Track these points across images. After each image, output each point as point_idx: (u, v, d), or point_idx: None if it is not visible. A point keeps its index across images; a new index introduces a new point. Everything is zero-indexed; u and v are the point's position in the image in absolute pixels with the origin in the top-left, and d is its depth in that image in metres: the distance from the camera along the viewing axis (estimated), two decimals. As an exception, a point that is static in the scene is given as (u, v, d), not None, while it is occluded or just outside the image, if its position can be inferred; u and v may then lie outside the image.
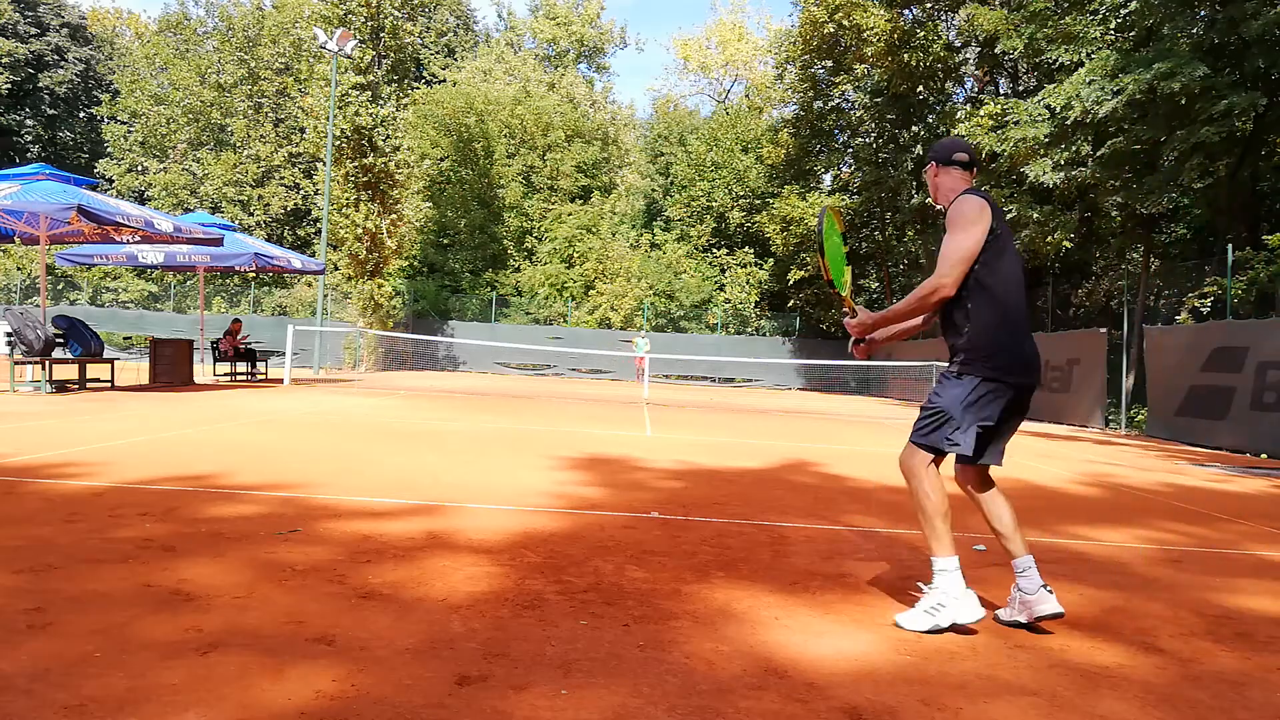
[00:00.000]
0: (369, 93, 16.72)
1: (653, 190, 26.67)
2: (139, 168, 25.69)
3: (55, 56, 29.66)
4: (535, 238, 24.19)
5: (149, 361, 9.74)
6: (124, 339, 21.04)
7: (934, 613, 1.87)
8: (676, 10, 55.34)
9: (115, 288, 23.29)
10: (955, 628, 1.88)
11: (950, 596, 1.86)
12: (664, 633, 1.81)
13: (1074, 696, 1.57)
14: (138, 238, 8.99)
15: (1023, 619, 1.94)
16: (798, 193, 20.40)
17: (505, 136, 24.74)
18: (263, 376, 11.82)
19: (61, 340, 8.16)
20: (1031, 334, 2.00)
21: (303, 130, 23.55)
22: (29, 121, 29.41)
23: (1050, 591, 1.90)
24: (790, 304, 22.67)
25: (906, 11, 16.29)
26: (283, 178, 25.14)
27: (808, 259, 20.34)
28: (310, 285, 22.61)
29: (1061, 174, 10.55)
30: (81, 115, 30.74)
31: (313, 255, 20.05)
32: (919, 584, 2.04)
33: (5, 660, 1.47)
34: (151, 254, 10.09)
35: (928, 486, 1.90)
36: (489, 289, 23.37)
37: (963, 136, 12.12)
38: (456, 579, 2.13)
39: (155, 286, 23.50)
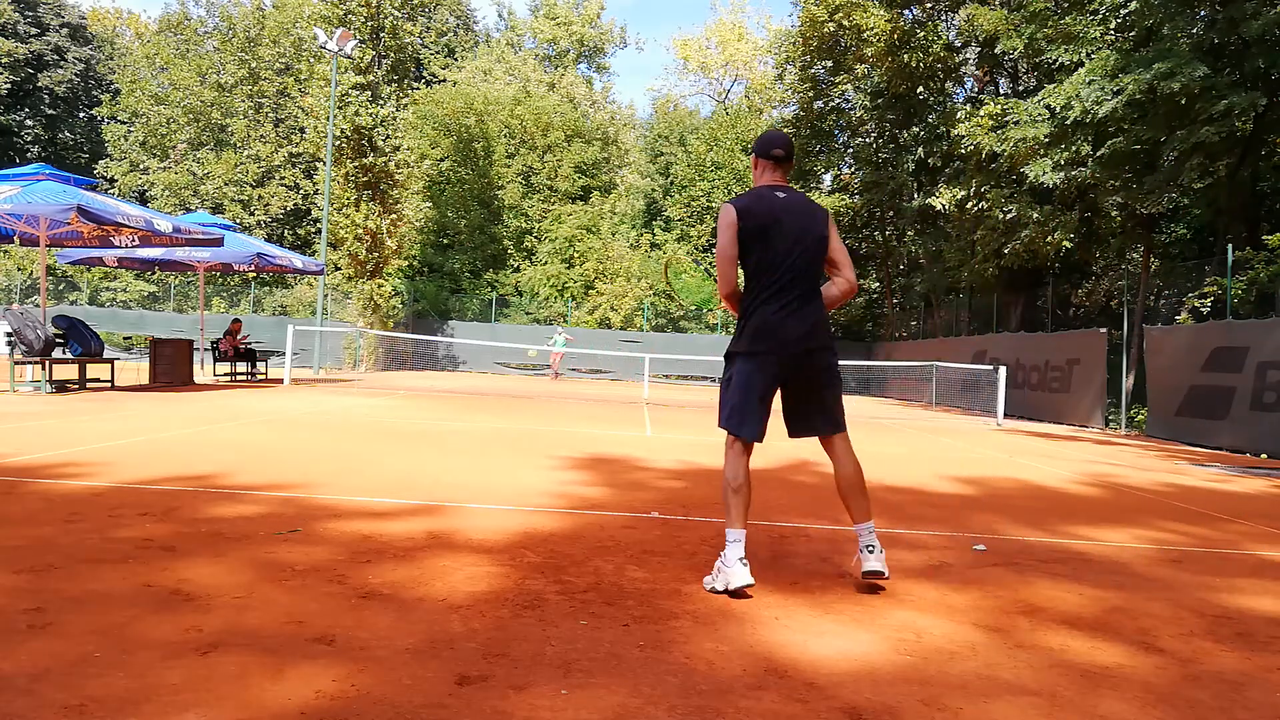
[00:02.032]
0: (369, 93, 16.72)
1: (653, 190, 26.68)
2: (140, 167, 25.70)
3: (55, 56, 29.66)
4: (535, 238, 24.20)
5: (149, 361, 9.74)
6: (124, 339, 21.04)
7: (714, 575, 2.13)
8: (676, 10, 55.37)
9: (115, 288, 23.29)
10: (729, 590, 2.07)
11: (726, 564, 2.08)
12: (664, 632, 1.81)
13: (1074, 696, 1.57)
14: (137, 239, 8.99)
15: (859, 574, 2.15)
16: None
17: (505, 137, 24.75)
18: (263, 376, 11.82)
19: (61, 340, 8.16)
20: (798, 315, 2.14)
21: (303, 130, 23.56)
22: (29, 121, 29.41)
23: (872, 550, 2.11)
24: None
25: (906, 11, 16.29)
26: (283, 178, 25.14)
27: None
28: (310, 285, 22.61)
29: (1061, 174, 10.54)
30: (81, 115, 30.75)
31: (313, 255, 20.05)
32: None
33: (5, 660, 1.47)
34: (154, 252, 10.09)
35: (725, 465, 2.18)
36: (489, 289, 23.37)
37: (962, 136, 12.16)
38: (457, 579, 2.13)
39: (155, 286, 23.50)
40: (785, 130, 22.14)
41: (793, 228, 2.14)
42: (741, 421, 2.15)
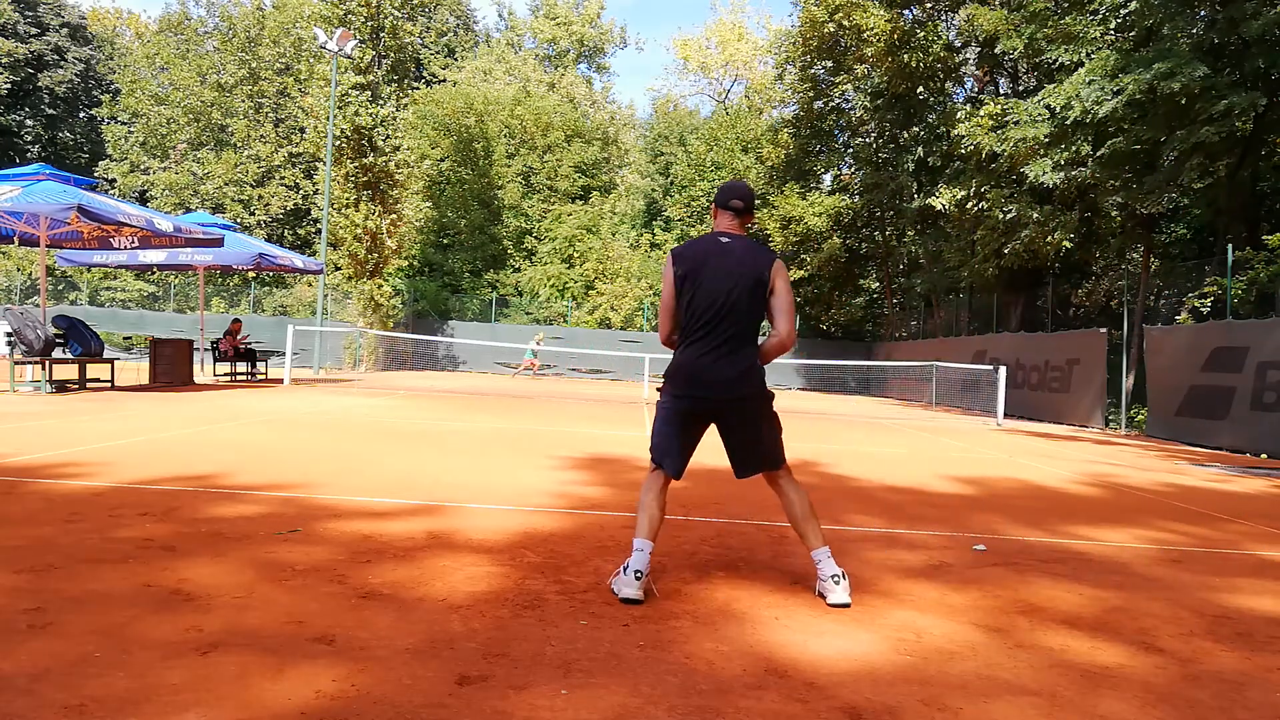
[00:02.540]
0: (369, 93, 16.72)
1: (653, 190, 26.68)
2: (141, 167, 25.70)
3: (55, 56, 29.66)
4: (535, 238, 24.20)
5: (149, 361, 9.73)
6: (124, 339, 21.03)
7: (616, 576, 2.13)
8: (676, 10, 55.36)
9: (114, 288, 23.30)
10: (619, 595, 2.05)
11: (625, 570, 2.08)
12: (664, 632, 1.81)
13: (1074, 696, 1.58)
14: (137, 239, 8.99)
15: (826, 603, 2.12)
16: (797, 192, 20.41)
17: (505, 137, 24.75)
18: (263, 376, 11.82)
19: (61, 340, 8.15)
20: (717, 358, 2.16)
21: (303, 130, 23.56)
22: (29, 121, 29.41)
23: (837, 582, 2.09)
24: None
25: (906, 11, 16.29)
26: (283, 178, 25.14)
27: (807, 258, 20.35)
28: (310, 285, 22.60)
29: (1061, 174, 10.54)
30: (81, 115, 30.75)
31: (313, 255, 20.06)
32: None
33: (6, 660, 1.47)
34: (153, 255, 10.09)
35: (643, 488, 2.23)
36: (489, 289, 23.38)
37: (962, 136, 12.15)
38: (457, 579, 2.13)
39: (155, 287, 23.50)
40: (785, 130, 22.27)
41: (725, 271, 2.16)
42: (664, 455, 2.21)
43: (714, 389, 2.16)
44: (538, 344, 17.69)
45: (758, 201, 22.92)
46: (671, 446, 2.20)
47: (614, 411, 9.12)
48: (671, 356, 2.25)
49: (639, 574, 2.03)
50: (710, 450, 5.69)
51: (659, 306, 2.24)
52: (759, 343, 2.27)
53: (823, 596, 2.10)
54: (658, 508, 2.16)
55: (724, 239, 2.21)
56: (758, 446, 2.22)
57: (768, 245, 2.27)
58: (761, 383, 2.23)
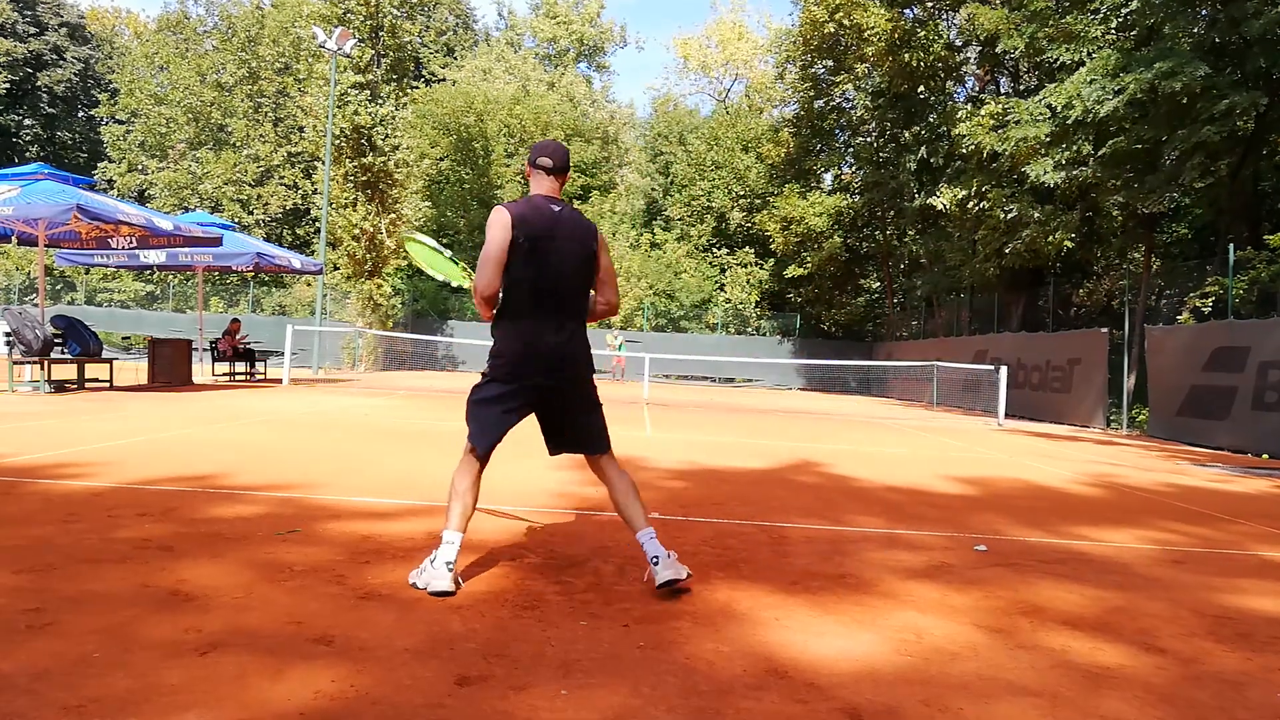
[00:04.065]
0: (368, 92, 16.70)
1: (652, 190, 26.67)
2: (139, 167, 25.70)
3: (54, 56, 29.65)
4: (535, 237, 24.19)
5: (148, 361, 9.73)
6: (123, 339, 21.03)
7: (421, 571, 2.05)
8: (676, 9, 55.34)
9: (113, 288, 23.29)
10: (429, 591, 1.98)
11: (434, 564, 2.01)
12: (664, 633, 1.81)
13: (1075, 696, 1.57)
14: (135, 239, 8.98)
15: (658, 583, 2.06)
16: (798, 192, 20.40)
17: (504, 136, 24.74)
18: (262, 376, 11.81)
19: (60, 340, 8.15)
20: (560, 332, 2.08)
21: (302, 129, 23.55)
22: (27, 121, 29.40)
23: (658, 563, 2.03)
24: (790, 296, 22.71)
25: (907, 11, 16.28)
26: (282, 177, 25.14)
27: (808, 257, 20.34)
28: (309, 285, 22.61)
29: (1062, 173, 10.53)
30: (80, 115, 30.74)
31: (312, 255, 20.06)
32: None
33: (5, 660, 1.46)
34: (151, 255, 10.08)
35: (456, 471, 2.14)
36: (489, 289, 23.34)
37: (963, 136, 12.14)
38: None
39: (153, 286, 23.50)
40: (785, 129, 22.24)
41: (567, 246, 2.08)
42: (482, 433, 2.11)
43: (551, 370, 2.08)
44: (618, 342, 17.55)
45: (758, 203, 22.98)
46: (491, 424, 2.10)
47: (614, 411, 9.08)
48: (495, 330, 2.11)
49: (449, 564, 1.98)
50: (710, 450, 5.63)
51: (482, 259, 2.03)
52: (583, 324, 2.21)
53: (652, 581, 2.05)
54: (472, 497, 2.09)
55: (554, 205, 2.10)
56: (589, 427, 2.18)
57: (583, 214, 2.23)
58: (590, 361, 2.20)
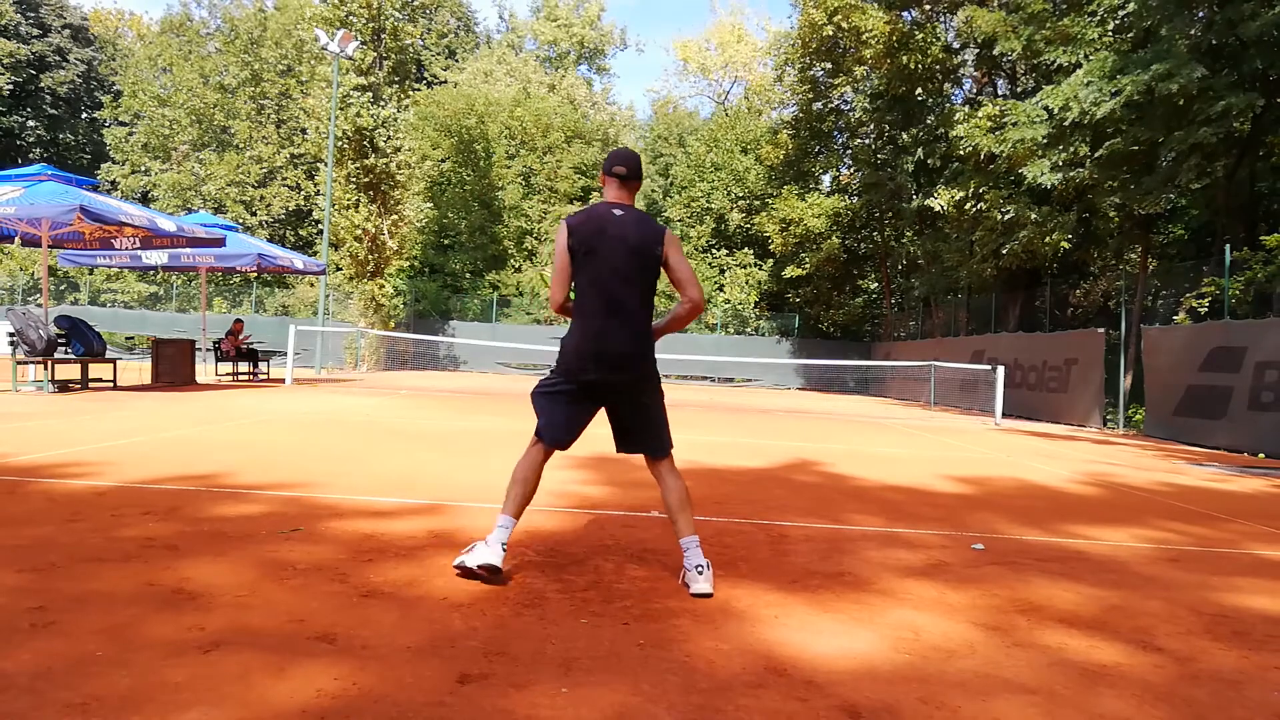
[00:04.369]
0: (370, 94, 16.73)
1: (652, 191, 26.69)
2: (142, 168, 25.73)
3: (57, 57, 29.69)
4: (535, 238, 24.23)
5: (151, 361, 9.74)
6: (126, 339, 21.05)
7: (470, 551, 2.14)
8: (676, 12, 55.45)
9: (116, 288, 23.30)
10: (474, 567, 2.09)
11: (485, 543, 2.11)
12: (664, 631, 1.82)
13: (1073, 695, 1.58)
14: (139, 240, 9.00)
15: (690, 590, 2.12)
16: (797, 193, 20.43)
17: (505, 138, 24.78)
18: (265, 376, 11.82)
19: (64, 340, 8.16)
20: (618, 332, 2.14)
21: (304, 131, 23.58)
22: (31, 122, 29.43)
23: (700, 573, 2.09)
24: (789, 297, 22.73)
25: (905, 14, 16.32)
26: (285, 178, 25.17)
27: (806, 258, 20.36)
28: (312, 285, 22.62)
29: (1059, 175, 10.56)
30: (83, 117, 30.77)
31: (314, 255, 20.07)
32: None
33: (8, 659, 1.47)
34: (154, 256, 10.09)
35: (521, 458, 2.23)
36: (490, 289, 23.40)
37: (961, 137, 12.17)
38: (458, 578, 2.13)
39: (156, 287, 23.51)
40: (784, 131, 22.28)
41: (619, 245, 2.13)
42: (547, 426, 2.20)
43: (605, 367, 2.13)
44: None
45: (757, 204, 23.01)
46: (557, 419, 2.19)
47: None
48: (565, 340, 2.22)
49: (502, 544, 2.07)
50: (710, 449, 5.65)
51: (553, 275, 2.20)
52: (654, 319, 2.24)
53: (687, 586, 2.10)
54: (533, 484, 2.18)
55: (616, 210, 2.17)
56: (646, 429, 2.22)
57: (654, 219, 2.33)
58: (650, 361, 2.21)
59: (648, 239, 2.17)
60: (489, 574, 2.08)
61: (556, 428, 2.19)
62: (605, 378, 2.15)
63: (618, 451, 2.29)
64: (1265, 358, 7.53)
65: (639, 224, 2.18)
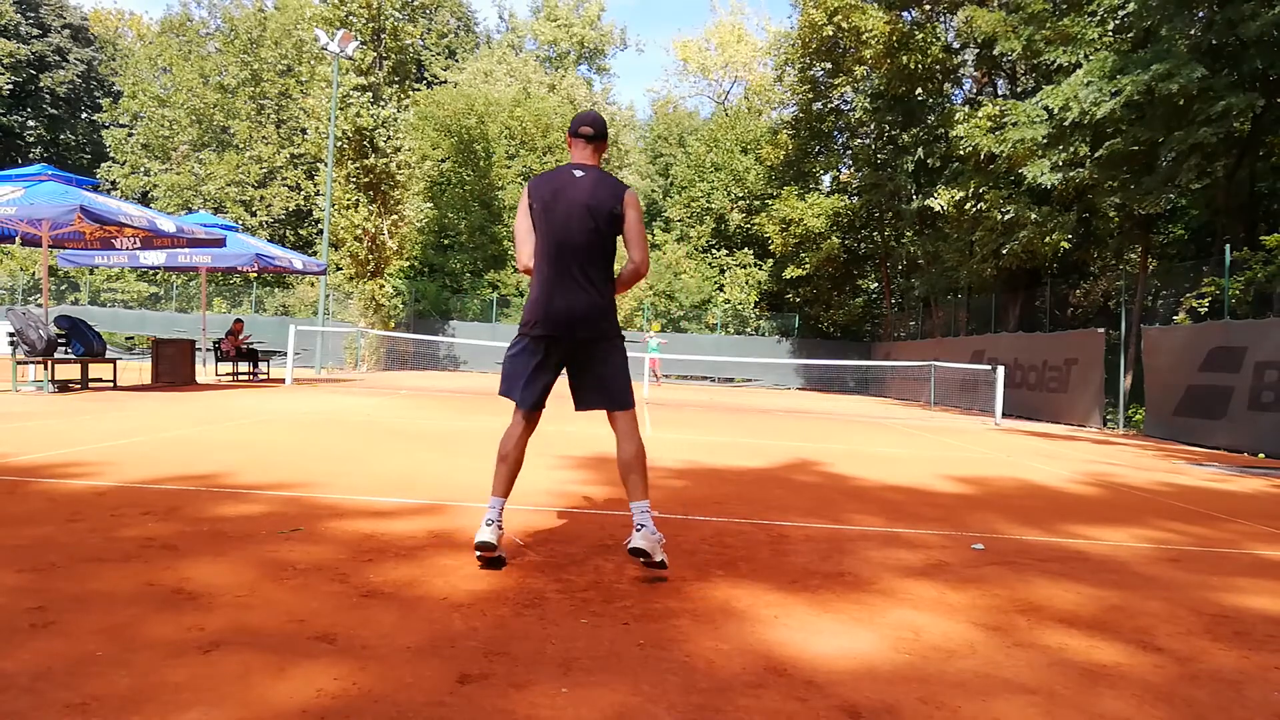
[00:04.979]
0: (370, 94, 16.74)
1: (652, 191, 26.71)
2: (142, 169, 25.74)
3: (57, 57, 29.69)
4: (536, 238, 24.22)
5: (151, 361, 9.74)
6: (126, 339, 21.05)
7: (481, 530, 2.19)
8: (676, 12, 55.46)
9: (116, 288, 23.31)
10: (475, 545, 2.16)
11: (483, 523, 2.16)
12: (664, 631, 1.82)
13: (1073, 695, 1.58)
14: (139, 240, 9.00)
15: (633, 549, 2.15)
16: (797, 193, 20.44)
17: (505, 138, 24.79)
18: (265, 376, 11.82)
19: (64, 340, 8.16)
20: (571, 290, 2.17)
21: (304, 131, 23.60)
22: (31, 122, 29.43)
23: (638, 530, 2.11)
24: (789, 297, 22.74)
25: (905, 14, 16.32)
26: (285, 178, 25.18)
27: (806, 258, 20.37)
28: (312, 285, 22.62)
29: (1059, 175, 10.56)
30: (84, 116, 30.77)
31: (314, 255, 20.08)
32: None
33: (8, 659, 1.47)
34: (153, 256, 10.09)
35: (503, 434, 2.25)
36: (490, 289, 23.40)
37: (961, 137, 12.18)
38: (458, 578, 2.14)
39: (156, 287, 23.52)
40: (784, 131, 22.29)
41: (575, 204, 2.15)
42: (510, 389, 2.23)
43: (558, 324, 2.16)
44: (655, 344, 17.34)
45: (757, 204, 23.02)
46: (518, 378, 2.22)
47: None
48: (528, 298, 2.26)
49: (490, 521, 2.12)
50: (710, 449, 5.64)
51: (515, 234, 2.27)
52: (613, 276, 2.26)
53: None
54: (515, 459, 2.21)
55: (577, 171, 2.21)
56: (600, 383, 2.23)
57: (617, 179, 2.34)
58: (604, 318, 2.21)
59: (605, 198, 2.18)
60: (484, 551, 2.13)
61: (518, 386, 2.22)
62: (555, 333, 2.18)
63: (575, 409, 2.29)
64: (1265, 358, 7.53)
65: (598, 183, 2.19)
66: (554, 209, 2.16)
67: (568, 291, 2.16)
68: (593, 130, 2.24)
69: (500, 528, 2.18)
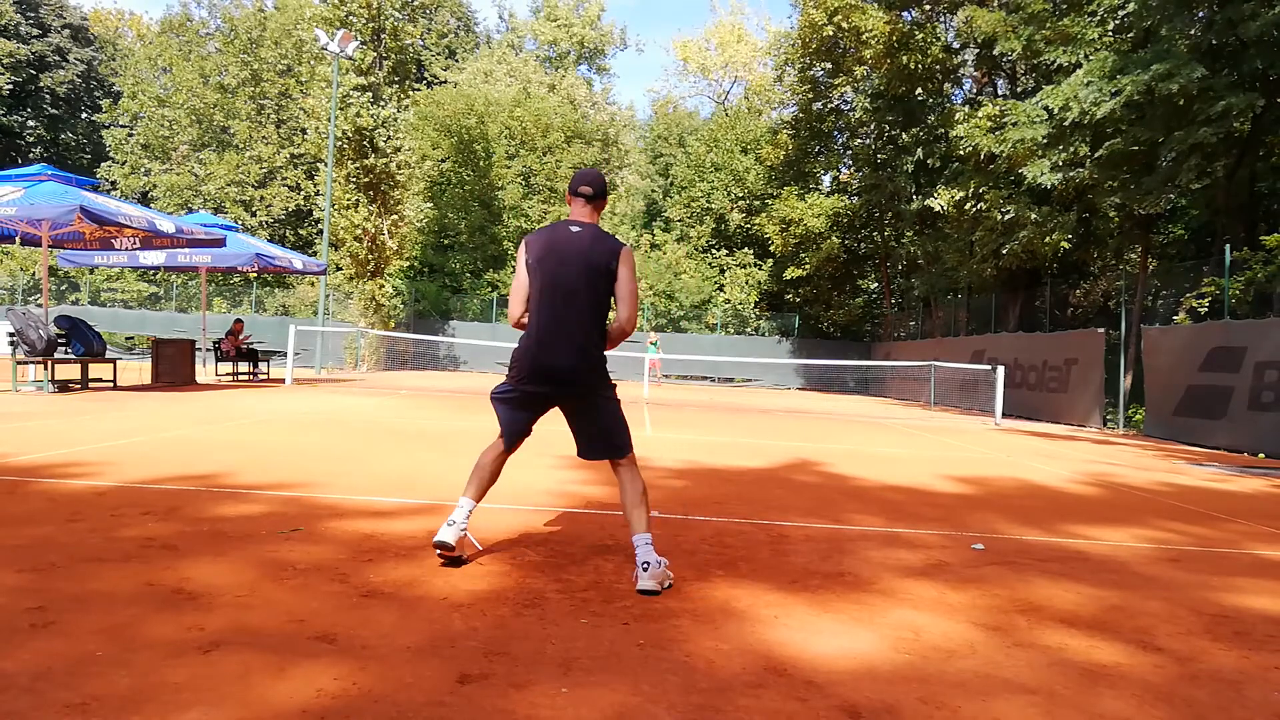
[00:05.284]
0: (370, 94, 16.74)
1: (652, 191, 26.71)
2: (142, 169, 25.74)
3: (57, 57, 29.69)
4: (535, 238, 24.23)
5: (151, 361, 9.74)
6: (126, 339, 21.06)
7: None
8: (676, 12, 55.47)
9: (116, 288, 23.31)
10: (434, 544, 2.20)
11: (445, 522, 2.21)
12: (664, 631, 1.82)
13: (1073, 695, 1.58)
14: (139, 240, 9.00)
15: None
16: (797, 194, 20.44)
17: (505, 138, 24.79)
18: (265, 376, 11.82)
19: (64, 340, 8.15)
20: (562, 346, 2.21)
21: (304, 131, 23.59)
22: (31, 122, 29.43)
23: (645, 569, 2.12)
24: (789, 297, 22.75)
25: (905, 14, 16.32)
26: (285, 178, 25.17)
27: (806, 258, 20.36)
28: (312, 285, 22.62)
29: (1059, 175, 10.56)
30: (83, 116, 30.77)
31: (314, 255, 20.08)
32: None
33: (9, 659, 1.47)
34: (153, 256, 10.09)
35: (487, 447, 2.35)
36: (489, 289, 23.40)
37: (961, 137, 12.18)
38: (457, 578, 2.14)
39: (156, 287, 23.52)
40: (784, 131, 22.29)
41: (570, 259, 2.19)
42: (501, 425, 2.32)
43: (545, 376, 2.21)
44: (654, 347, 17.44)
45: (757, 204, 23.02)
46: (506, 421, 2.31)
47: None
48: (517, 347, 2.31)
49: (450, 520, 2.18)
50: (710, 449, 5.64)
51: (512, 290, 2.31)
52: (606, 331, 2.29)
53: (635, 580, 2.15)
54: (491, 472, 2.29)
55: (574, 228, 2.25)
56: (599, 433, 2.27)
57: (615, 236, 2.58)
58: (593, 371, 2.24)
59: (602, 254, 2.22)
60: (443, 550, 2.18)
61: (506, 429, 2.31)
62: (546, 390, 2.23)
63: (580, 457, 2.32)
64: (1265, 358, 7.53)
65: (595, 240, 2.24)
66: (551, 264, 2.20)
67: (561, 345, 2.19)
68: (592, 190, 2.29)
69: (464, 530, 2.21)
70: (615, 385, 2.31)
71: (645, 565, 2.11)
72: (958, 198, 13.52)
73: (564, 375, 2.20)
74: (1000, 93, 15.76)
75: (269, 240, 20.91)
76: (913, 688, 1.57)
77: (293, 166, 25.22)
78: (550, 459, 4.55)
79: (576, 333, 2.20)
